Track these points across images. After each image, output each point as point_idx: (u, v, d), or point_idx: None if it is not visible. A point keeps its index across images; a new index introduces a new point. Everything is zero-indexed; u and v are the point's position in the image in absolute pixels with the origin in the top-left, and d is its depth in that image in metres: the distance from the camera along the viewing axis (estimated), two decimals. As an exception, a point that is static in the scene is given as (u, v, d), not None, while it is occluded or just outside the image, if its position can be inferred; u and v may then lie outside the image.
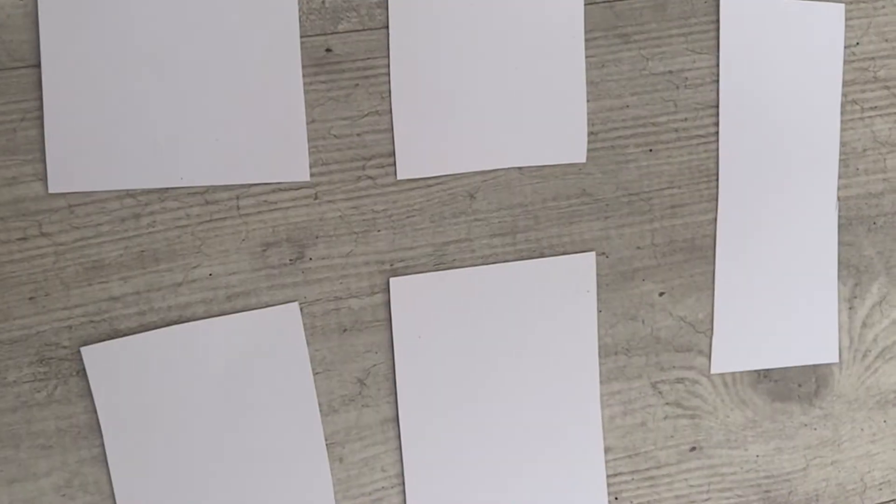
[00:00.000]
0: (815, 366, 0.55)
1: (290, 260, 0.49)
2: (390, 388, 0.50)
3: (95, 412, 0.47)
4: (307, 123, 0.48)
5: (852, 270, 0.55)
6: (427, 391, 0.50)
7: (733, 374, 0.54)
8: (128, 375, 0.47)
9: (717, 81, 0.52)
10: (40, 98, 0.45)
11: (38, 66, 0.45)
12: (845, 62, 0.54)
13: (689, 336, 0.53)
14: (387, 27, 0.48)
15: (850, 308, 0.55)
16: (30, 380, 0.47)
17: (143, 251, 0.47)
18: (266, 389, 0.48)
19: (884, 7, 0.53)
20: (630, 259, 0.52)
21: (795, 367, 0.55)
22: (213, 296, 0.48)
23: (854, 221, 0.55)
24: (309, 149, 0.48)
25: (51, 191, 0.46)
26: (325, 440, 0.50)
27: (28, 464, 0.47)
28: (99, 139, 0.45)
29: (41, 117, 0.45)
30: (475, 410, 0.51)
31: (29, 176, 0.46)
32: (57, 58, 0.45)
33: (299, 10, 0.47)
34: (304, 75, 0.47)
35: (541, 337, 0.51)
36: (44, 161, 0.45)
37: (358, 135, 0.49)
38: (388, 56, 0.48)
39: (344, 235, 0.49)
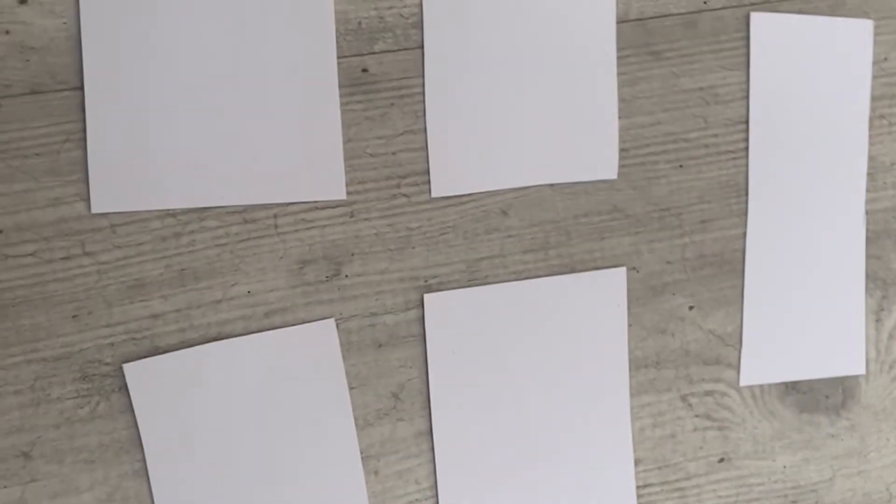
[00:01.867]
0: (842, 378, 0.56)
1: (327, 277, 0.49)
2: (424, 401, 0.51)
3: (137, 427, 0.48)
4: (343, 143, 0.48)
5: (879, 283, 0.55)
6: (460, 405, 0.51)
7: (761, 386, 0.55)
8: (168, 391, 0.48)
9: (747, 97, 0.52)
10: (83, 120, 0.46)
11: (81, 88, 0.46)
12: (873, 77, 0.54)
13: (718, 349, 0.54)
14: (422, 47, 0.49)
15: (877, 321, 0.56)
16: (73, 396, 0.47)
17: (183, 269, 0.48)
18: (303, 404, 0.49)
19: (912, 22, 0.54)
20: (660, 273, 0.53)
21: (823, 379, 0.55)
22: (251, 313, 0.49)
23: (881, 235, 0.55)
24: (345, 167, 0.49)
25: (93, 211, 0.46)
26: (361, 453, 0.50)
27: (71, 478, 0.48)
28: (140, 160, 0.46)
29: (84, 139, 0.46)
30: (507, 423, 0.52)
31: (72, 196, 0.46)
32: (99, 80, 0.45)
33: (336, 32, 0.48)
34: (340, 95, 0.48)
35: (572, 350, 0.52)
36: (86, 182, 0.46)
37: (393, 153, 0.49)
38: (423, 76, 0.49)
39: (379, 252, 0.50)
